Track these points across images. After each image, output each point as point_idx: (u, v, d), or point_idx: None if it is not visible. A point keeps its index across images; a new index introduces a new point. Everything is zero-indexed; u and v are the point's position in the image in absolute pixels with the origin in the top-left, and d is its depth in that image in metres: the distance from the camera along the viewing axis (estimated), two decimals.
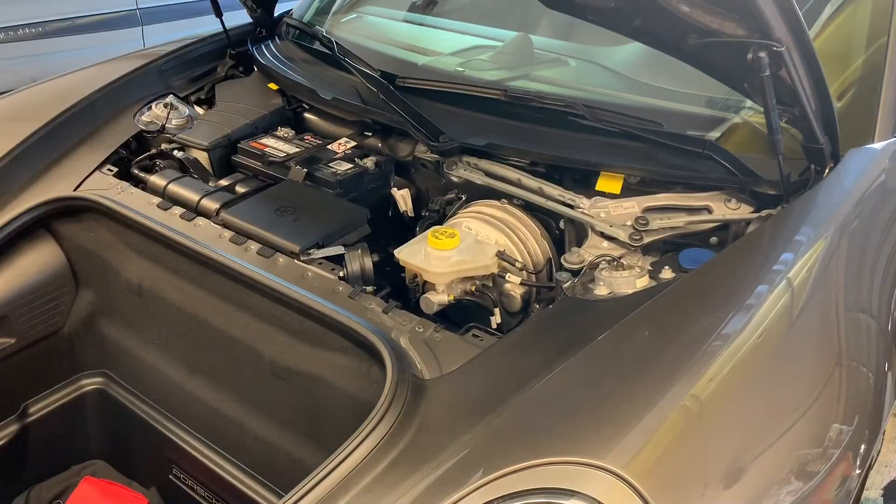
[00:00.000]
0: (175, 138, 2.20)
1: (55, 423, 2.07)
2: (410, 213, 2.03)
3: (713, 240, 1.64)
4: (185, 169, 2.12)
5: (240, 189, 2.01)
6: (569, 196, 1.77)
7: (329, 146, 2.12)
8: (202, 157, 2.15)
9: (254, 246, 1.77)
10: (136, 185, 2.04)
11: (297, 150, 2.09)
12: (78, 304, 2.09)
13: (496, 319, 1.65)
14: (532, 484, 1.12)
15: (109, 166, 2.10)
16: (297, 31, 2.53)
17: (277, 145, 2.12)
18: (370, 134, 2.18)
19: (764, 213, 1.60)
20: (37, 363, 2.04)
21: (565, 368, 1.29)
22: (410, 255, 1.66)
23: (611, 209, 1.70)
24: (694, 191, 1.69)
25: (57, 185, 2.02)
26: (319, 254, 1.73)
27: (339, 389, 1.60)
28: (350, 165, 2.03)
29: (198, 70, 2.51)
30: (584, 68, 2.11)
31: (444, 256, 1.62)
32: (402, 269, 1.71)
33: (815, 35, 1.88)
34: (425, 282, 1.67)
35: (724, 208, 1.64)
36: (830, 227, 1.51)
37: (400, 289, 1.71)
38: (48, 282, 2.01)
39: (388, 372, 1.35)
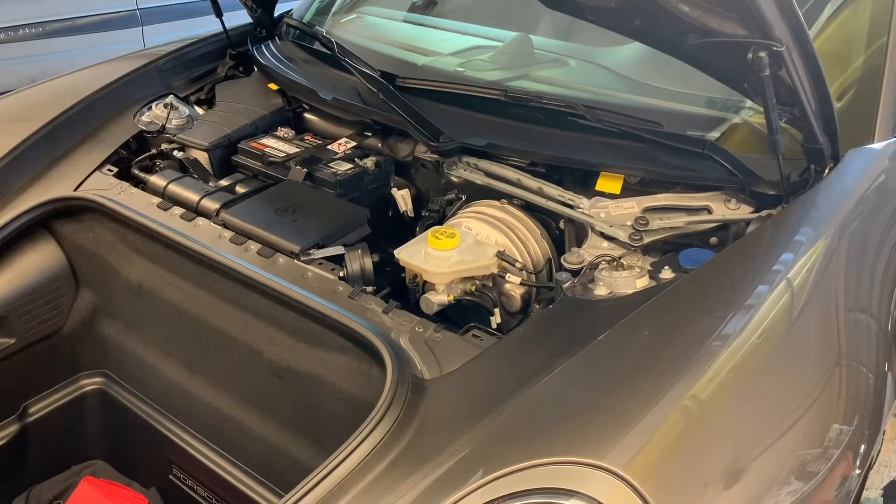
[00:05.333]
0: (175, 138, 2.20)
1: (55, 423, 2.07)
2: (410, 213, 2.03)
3: (713, 240, 1.64)
4: (185, 169, 2.12)
5: (240, 189, 2.01)
6: (569, 196, 1.77)
7: (329, 146, 2.12)
8: (202, 158, 2.15)
9: (254, 246, 1.77)
10: (136, 186, 2.04)
11: (297, 150, 2.09)
12: (78, 304, 2.09)
13: (496, 319, 1.65)
14: (532, 484, 1.13)
15: (109, 166, 2.10)
16: (297, 32, 2.53)
17: (277, 145, 2.12)
18: (370, 134, 2.18)
19: (764, 213, 1.60)
20: (37, 363, 2.04)
21: (565, 368, 1.29)
22: (410, 255, 1.66)
23: (611, 209, 1.70)
24: (694, 191, 1.69)
25: (57, 185, 2.02)
26: (319, 254, 1.73)
27: (339, 389, 1.60)
28: (350, 165, 2.03)
29: (198, 70, 2.51)
30: (584, 68, 2.11)
31: (444, 256, 1.62)
32: (402, 269, 1.71)
33: (815, 35, 1.88)
34: (425, 282, 1.67)
35: (724, 208, 1.64)
36: (830, 227, 1.51)
37: (400, 289, 1.71)
38: (48, 282, 2.01)
39: (388, 372, 1.35)
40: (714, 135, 1.76)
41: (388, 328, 1.51)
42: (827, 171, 1.62)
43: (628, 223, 1.67)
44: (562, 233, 1.80)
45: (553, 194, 1.79)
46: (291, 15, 2.67)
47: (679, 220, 1.66)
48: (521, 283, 1.67)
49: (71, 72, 2.42)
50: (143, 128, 2.23)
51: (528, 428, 1.22)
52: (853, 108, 1.79)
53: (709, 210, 1.65)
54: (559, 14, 1.74)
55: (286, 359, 1.69)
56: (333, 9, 2.67)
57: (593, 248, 1.67)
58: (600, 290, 1.50)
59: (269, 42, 2.54)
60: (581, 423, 1.19)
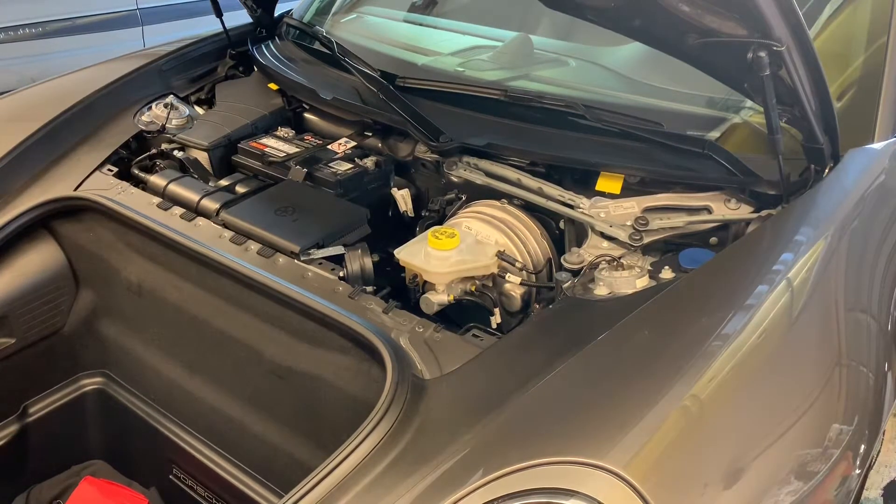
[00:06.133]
0: (175, 138, 2.20)
1: (55, 423, 2.07)
2: (410, 213, 2.03)
3: (713, 240, 1.64)
4: (186, 169, 2.12)
5: (240, 189, 2.01)
6: (569, 196, 1.77)
7: (329, 146, 2.12)
8: (202, 157, 2.15)
9: (254, 246, 1.77)
10: (136, 185, 2.04)
11: (297, 150, 2.09)
12: (78, 304, 2.09)
13: (496, 319, 1.65)
14: (532, 484, 1.12)
15: (109, 166, 2.10)
16: (297, 32, 2.53)
17: (277, 145, 2.12)
18: (370, 134, 2.18)
19: (764, 213, 1.60)
20: (37, 363, 2.04)
21: (565, 368, 1.29)
22: (410, 255, 1.66)
23: (611, 209, 1.70)
24: (694, 191, 1.69)
25: (57, 185, 2.02)
26: (319, 254, 1.73)
27: (340, 389, 1.60)
28: (350, 165, 2.03)
29: (198, 70, 2.51)
30: (584, 68, 2.11)
31: (444, 256, 1.62)
32: (402, 269, 1.71)
33: (815, 35, 1.88)
34: (425, 282, 1.67)
35: (724, 208, 1.64)
36: (830, 227, 1.51)
37: (400, 289, 1.71)
38: (48, 282, 2.01)
39: (388, 372, 1.35)
40: (714, 135, 1.76)
41: (388, 328, 1.51)
42: (827, 170, 1.62)
43: (628, 223, 1.67)
44: (562, 233, 1.80)
45: (553, 194, 1.79)
46: (291, 15, 2.67)
47: (679, 220, 1.66)
48: (521, 283, 1.67)
49: (71, 72, 2.42)
50: (143, 128, 2.23)
51: (528, 428, 1.22)
52: (853, 108, 1.79)
53: (709, 210, 1.65)
54: (559, 14, 1.73)
55: (286, 359, 1.69)
56: (333, 9, 2.67)
57: (593, 248, 1.67)
58: (600, 290, 1.50)
59: (269, 42, 2.54)
60: (581, 423, 1.19)
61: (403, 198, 2.03)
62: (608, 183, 1.77)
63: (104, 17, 4.63)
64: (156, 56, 2.45)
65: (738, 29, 1.42)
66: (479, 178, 1.89)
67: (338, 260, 1.73)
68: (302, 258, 1.72)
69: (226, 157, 2.17)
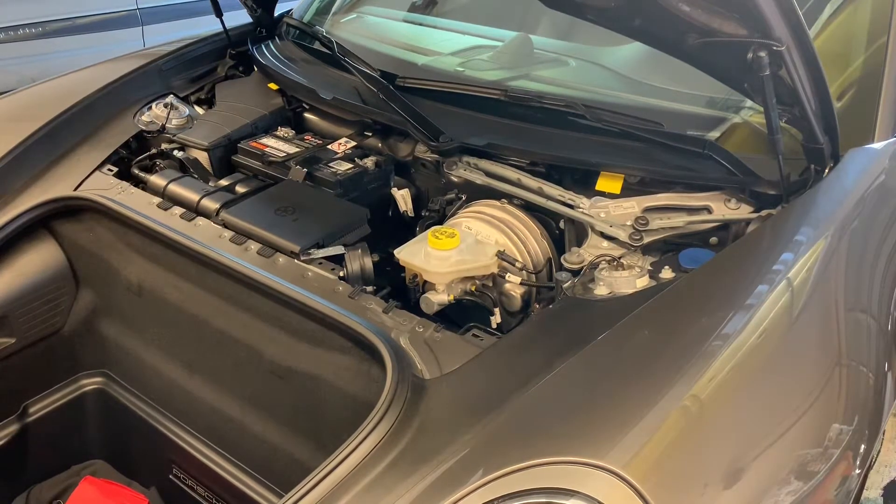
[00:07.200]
0: (175, 138, 2.20)
1: (55, 423, 2.08)
2: (410, 213, 2.03)
3: (713, 240, 1.64)
4: (186, 169, 2.12)
5: (240, 189, 2.01)
6: (569, 196, 1.77)
7: (329, 146, 2.12)
8: (202, 157, 2.15)
9: (254, 246, 1.77)
10: (136, 185, 2.04)
11: (297, 150, 2.09)
12: (78, 304, 2.09)
13: (496, 319, 1.65)
14: (532, 484, 1.13)
15: (109, 166, 2.10)
16: (297, 31, 2.53)
17: (277, 145, 2.12)
18: (370, 134, 2.18)
19: (764, 213, 1.60)
20: (37, 363, 2.04)
21: (565, 368, 1.29)
22: (410, 255, 1.66)
23: (611, 209, 1.70)
24: (694, 191, 1.69)
25: (57, 185, 2.02)
26: (319, 254, 1.73)
27: (340, 389, 1.60)
28: (350, 165, 2.03)
29: (198, 70, 2.51)
30: (584, 68, 2.11)
31: (444, 256, 1.62)
32: (402, 269, 1.71)
33: (815, 35, 1.88)
34: (425, 282, 1.67)
35: (724, 208, 1.64)
36: (830, 227, 1.51)
37: (400, 289, 1.71)
38: (48, 282, 2.01)
39: (388, 372, 1.35)
40: (714, 135, 1.76)
41: (388, 328, 1.51)
42: (827, 170, 1.62)
43: (628, 223, 1.67)
44: (562, 233, 1.80)
45: (553, 194, 1.79)
46: (291, 15, 2.67)
47: (679, 220, 1.66)
48: (521, 283, 1.67)
49: (71, 72, 2.42)
50: (143, 128, 2.23)
51: (528, 428, 1.22)
52: (853, 108, 1.79)
53: (709, 210, 1.65)
54: (559, 14, 1.73)
55: (286, 359, 1.69)
56: (333, 9, 2.67)
57: (593, 248, 1.67)
58: (600, 290, 1.50)
59: (269, 42, 2.54)
60: (581, 423, 1.19)
61: (403, 198, 2.03)
62: (608, 183, 1.77)
63: (104, 17, 4.64)
64: (156, 56, 2.45)
65: (738, 29, 1.42)
66: (479, 178, 1.89)
67: (338, 260, 1.73)
68: (302, 258, 1.72)
69: (226, 157, 2.17)
